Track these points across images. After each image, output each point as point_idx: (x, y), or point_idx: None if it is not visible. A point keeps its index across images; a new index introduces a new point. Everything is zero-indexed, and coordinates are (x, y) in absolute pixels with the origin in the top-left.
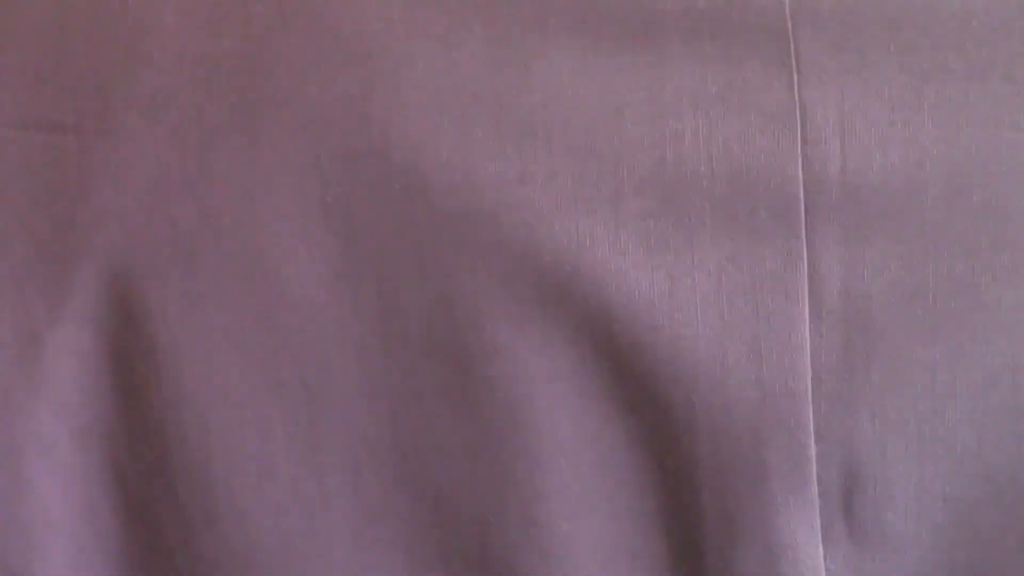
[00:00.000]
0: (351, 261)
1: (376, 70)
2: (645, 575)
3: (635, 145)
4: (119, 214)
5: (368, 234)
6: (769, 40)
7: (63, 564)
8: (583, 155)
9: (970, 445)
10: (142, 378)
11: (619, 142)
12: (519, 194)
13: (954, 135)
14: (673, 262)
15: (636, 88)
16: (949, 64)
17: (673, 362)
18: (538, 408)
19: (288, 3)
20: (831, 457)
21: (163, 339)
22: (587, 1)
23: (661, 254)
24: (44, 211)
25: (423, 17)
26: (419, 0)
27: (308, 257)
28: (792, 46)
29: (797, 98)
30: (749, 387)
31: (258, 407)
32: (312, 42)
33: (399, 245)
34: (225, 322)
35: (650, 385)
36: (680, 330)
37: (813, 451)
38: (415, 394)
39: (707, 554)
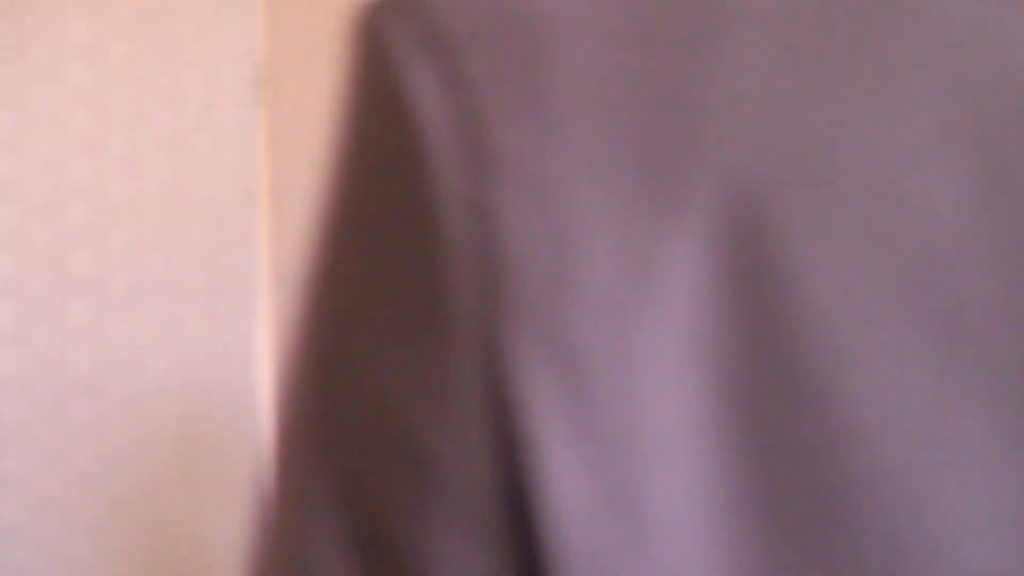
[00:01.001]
0: (991, 188)
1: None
2: None
3: None
4: (737, 131)
5: (1014, 163)
6: None
7: (674, 481)
8: None
9: None
10: (763, 298)
11: None
12: None
13: None
14: None
15: None
16: None
17: None
18: None
19: None
20: None
21: (786, 259)
22: None
23: None
24: (654, 125)
25: None
26: None
27: (943, 182)
28: None
29: None
30: None
31: (891, 333)
32: None
33: None
34: (852, 243)
35: None
36: None
37: None
38: None
39: None
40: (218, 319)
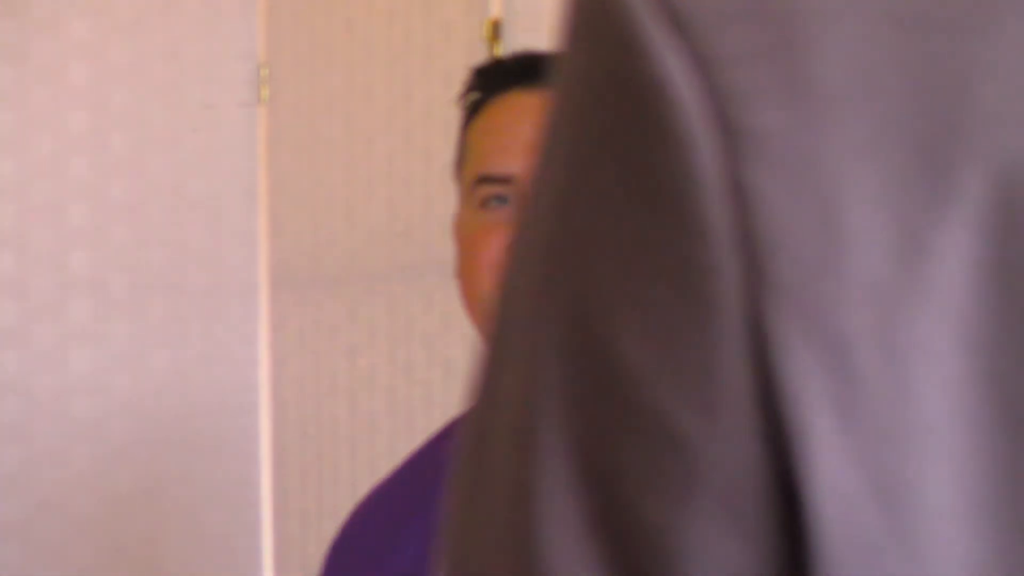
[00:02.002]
0: None
1: None
2: None
3: None
4: (1006, 119)
5: None
6: None
7: (939, 474)
8: None
9: None
10: None
11: None
12: None
13: None
14: None
15: None
16: None
17: None
18: None
19: None
20: None
21: None
22: None
23: None
24: (922, 110)
25: None
26: None
27: None
28: None
29: None
30: None
31: None
32: None
33: None
34: None
35: None
36: None
37: None
38: None
39: None
40: (218, 319)
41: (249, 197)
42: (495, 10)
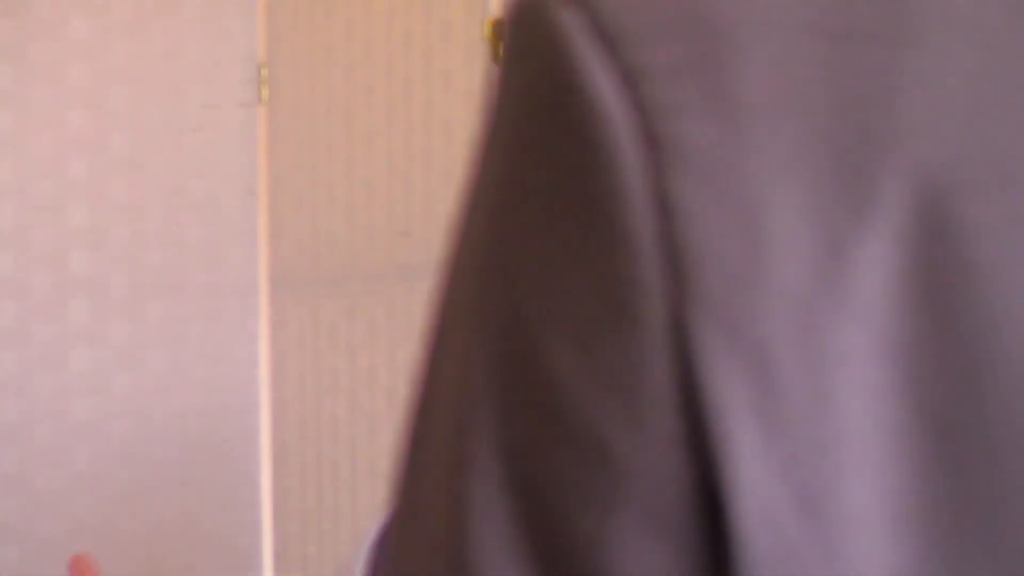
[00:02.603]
0: None
1: None
2: None
3: None
4: (929, 129)
5: None
6: None
7: (861, 480)
8: None
9: None
10: (954, 297)
11: None
12: None
13: None
14: None
15: None
16: None
17: None
18: None
19: None
20: None
21: (979, 259)
22: None
23: None
24: (845, 120)
25: None
26: None
27: None
28: None
29: None
30: None
31: None
32: None
33: None
34: None
35: None
36: None
37: None
38: None
39: None
40: (217, 319)
41: (249, 197)
42: (495, 10)
